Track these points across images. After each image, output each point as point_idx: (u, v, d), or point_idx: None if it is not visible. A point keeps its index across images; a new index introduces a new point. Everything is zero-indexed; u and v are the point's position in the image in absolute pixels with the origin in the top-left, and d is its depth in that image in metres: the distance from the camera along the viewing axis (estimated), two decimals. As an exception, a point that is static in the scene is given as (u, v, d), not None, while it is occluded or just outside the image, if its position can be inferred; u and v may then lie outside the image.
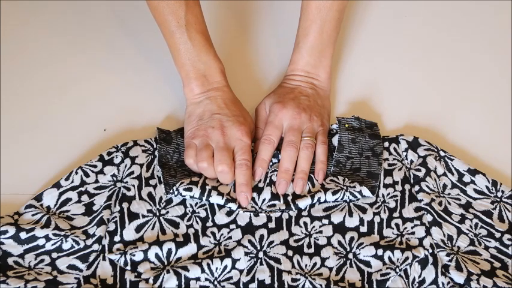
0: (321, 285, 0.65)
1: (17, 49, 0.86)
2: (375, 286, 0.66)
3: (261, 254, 0.67)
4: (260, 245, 0.68)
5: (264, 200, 0.70)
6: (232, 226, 0.69)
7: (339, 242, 0.68)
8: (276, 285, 0.65)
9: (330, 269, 0.67)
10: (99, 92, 0.83)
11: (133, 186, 0.71)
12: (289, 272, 0.66)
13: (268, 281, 0.65)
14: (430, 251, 0.67)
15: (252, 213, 0.69)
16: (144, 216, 0.69)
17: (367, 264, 0.67)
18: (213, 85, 0.73)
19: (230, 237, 0.68)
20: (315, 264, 0.67)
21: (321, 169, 0.72)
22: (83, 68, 0.85)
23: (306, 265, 0.67)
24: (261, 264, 0.66)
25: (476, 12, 0.93)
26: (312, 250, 0.68)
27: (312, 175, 0.72)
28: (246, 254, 0.67)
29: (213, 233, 0.68)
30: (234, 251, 0.67)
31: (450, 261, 0.66)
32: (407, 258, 0.67)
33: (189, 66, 0.72)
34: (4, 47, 0.86)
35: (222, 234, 0.68)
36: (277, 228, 0.69)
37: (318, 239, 0.69)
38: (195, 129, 0.71)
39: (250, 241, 0.68)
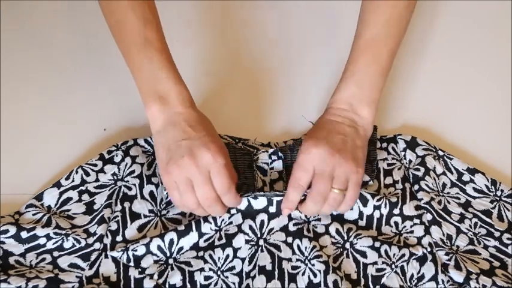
0: (319, 271, 0.65)
1: (17, 49, 0.86)
2: (370, 282, 0.66)
3: (261, 242, 0.67)
4: (260, 232, 0.68)
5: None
6: (233, 211, 0.69)
7: (337, 230, 0.68)
8: (276, 272, 0.65)
9: (328, 256, 0.67)
10: (99, 91, 0.83)
11: (135, 185, 0.71)
12: (289, 260, 0.66)
13: (269, 267, 0.66)
14: (429, 249, 0.68)
15: (250, 198, 0.68)
16: (145, 216, 0.69)
17: (363, 254, 0.67)
18: (174, 109, 0.66)
19: (231, 222, 0.68)
20: (314, 246, 0.67)
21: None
22: (83, 67, 0.85)
23: (306, 247, 0.67)
24: (262, 251, 0.67)
25: (475, 12, 0.93)
26: (311, 235, 0.68)
27: None
28: (247, 241, 0.67)
29: (214, 218, 0.68)
30: (234, 239, 0.67)
31: (449, 260, 0.67)
32: (403, 255, 0.67)
33: (148, 89, 0.66)
34: (4, 46, 0.85)
35: (223, 220, 0.68)
36: (277, 213, 0.68)
37: (316, 227, 0.69)
38: (167, 164, 0.65)
39: (250, 227, 0.68)
